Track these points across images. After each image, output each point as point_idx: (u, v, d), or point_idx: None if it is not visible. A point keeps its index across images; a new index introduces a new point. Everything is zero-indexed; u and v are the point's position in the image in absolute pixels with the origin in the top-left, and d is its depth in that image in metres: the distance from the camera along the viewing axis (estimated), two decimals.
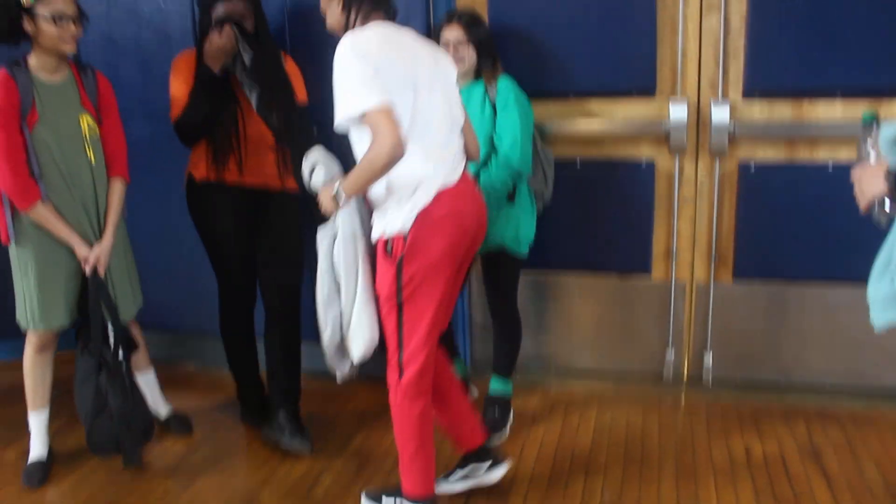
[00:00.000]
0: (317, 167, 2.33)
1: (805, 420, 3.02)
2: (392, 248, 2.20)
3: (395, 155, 2.04)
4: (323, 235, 2.38)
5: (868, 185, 1.52)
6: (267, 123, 2.84)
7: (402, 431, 2.38)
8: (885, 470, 2.66)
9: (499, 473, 2.61)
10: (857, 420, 3.01)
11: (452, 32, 2.82)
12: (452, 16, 2.84)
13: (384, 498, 2.53)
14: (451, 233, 2.22)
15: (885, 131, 1.47)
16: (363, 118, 2.07)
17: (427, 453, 2.40)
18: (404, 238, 2.17)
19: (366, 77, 2.08)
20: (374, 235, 2.26)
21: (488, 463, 2.60)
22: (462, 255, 2.30)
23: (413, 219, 2.17)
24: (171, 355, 3.79)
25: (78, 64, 2.77)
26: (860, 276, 2.95)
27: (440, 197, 2.18)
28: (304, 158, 2.39)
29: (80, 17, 2.61)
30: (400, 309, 2.24)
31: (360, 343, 2.37)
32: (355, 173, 2.14)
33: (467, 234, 2.28)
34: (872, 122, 1.60)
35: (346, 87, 2.13)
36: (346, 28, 2.26)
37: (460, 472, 2.60)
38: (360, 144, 2.18)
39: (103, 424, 2.74)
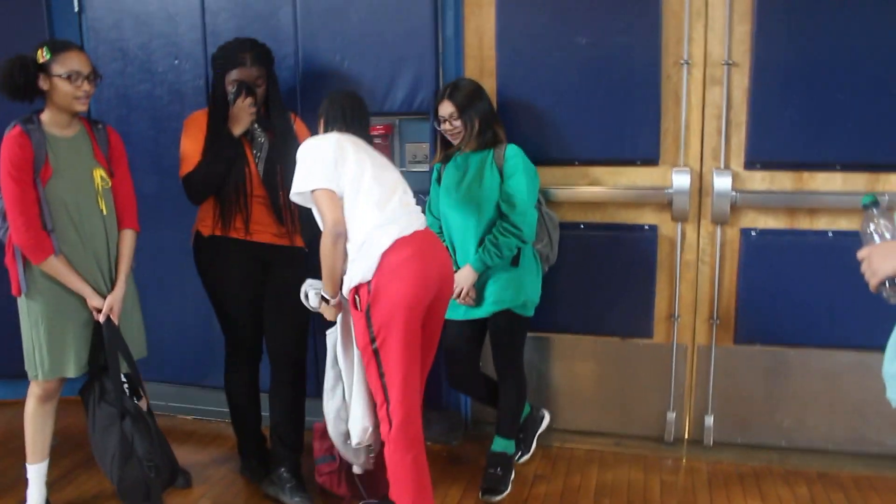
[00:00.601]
0: (309, 293, 2.62)
1: (807, 483, 3.04)
2: (359, 297, 2.41)
3: (337, 231, 2.44)
4: (329, 333, 2.66)
5: (880, 264, 1.53)
6: (267, 189, 2.92)
7: (397, 483, 2.45)
8: None
9: None
10: (860, 484, 3.03)
11: (445, 108, 2.93)
12: (445, 91, 2.95)
13: None
14: (413, 275, 2.39)
15: None
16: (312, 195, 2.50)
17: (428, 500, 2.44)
18: (368, 286, 2.39)
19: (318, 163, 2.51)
20: (345, 291, 2.49)
21: None
22: (430, 300, 2.45)
23: (375, 266, 2.39)
24: (169, 407, 3.78)
25: (89, 119, 2.83)
26: (861, 341, 3.07)
27: (397, 244, 2.40)
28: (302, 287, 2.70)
29: (94, 75, 2.67)
30: (377, 357, 2.41)
31: (356, 429, 2.59)
32: (323, 272, 2.50)
33: (430, 279, 2.44)
34: (872, 204, 1.64)
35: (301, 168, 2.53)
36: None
37: None
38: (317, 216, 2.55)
39: (132, 471, 2.73)
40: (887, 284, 1.54)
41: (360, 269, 2.42)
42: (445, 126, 2.94)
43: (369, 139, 2.72)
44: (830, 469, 3.14)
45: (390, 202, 2.48)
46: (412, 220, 2.50)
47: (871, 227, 1.62)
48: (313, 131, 3.11)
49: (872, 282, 1.55)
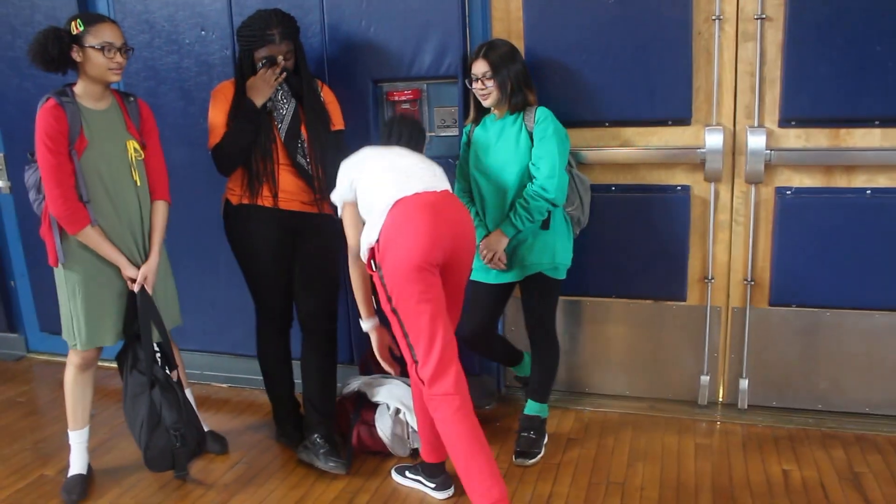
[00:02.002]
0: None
1: (844, 446, 3.00)
2: (372, 260, 2.48)
3: (354, 252, 2.57)
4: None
5: None
6: (292, 160, 2.93)
7: (447, 439, 2.46)
8: None
9: (440, 496, 2.77)
10: None
11: (479, 66, 2.88)
12: (480, 50, 2.90)
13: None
14: (416, 231, 2.41)
15: None
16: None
17: (481, 454, 2.43)
18: (377, 246, 2.46)
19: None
20: (364, 257, 2.55)
21: (434, 484, 2.79)
22: (442, 257, 2.45)
23: (380, 226, 2.45)
24: (204, 376, 3.84)
25: (120, 92, 2.85)
26: None
27: (399, 203, 2.45)
28: None
29: (126, 47, 2.68)
30: (398, 316, 2.47)
31: None
32: (357, 296, 2.68)
33: (438, 236, 2.43)
34: None
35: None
36: None
37: (411, 476, 2.87)
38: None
39: (159, 439, 2.79)
40: None
41: (367, 233, 2.52)
42: (477, 86, 2.89)
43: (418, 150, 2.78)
44: (868, 432, 3.10)
45: (398, 178, 2.54)
46: (416, 183, 2.52)
47: None
48: (341, 98, 3.12)
49: None
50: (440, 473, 2.80)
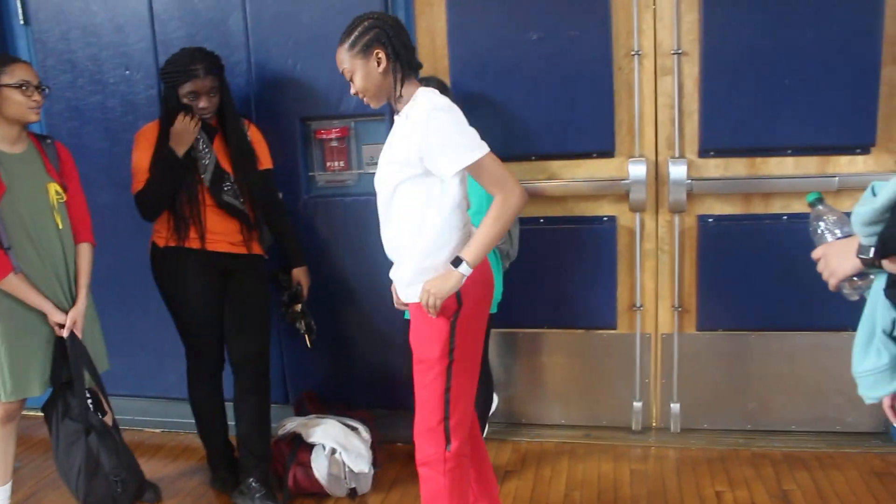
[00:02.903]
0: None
1: (773, 464, 3.08)
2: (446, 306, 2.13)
3: (525, 199, 2.10)
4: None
5: (838, 264, 1.51)
6: (218, 202, 2.90)
7: (456, 499, 2.23)
8: None
9: None
10: (823, 462, 3.08)
11: None
12: None
13: None
14: (488, 282, 2.24)
15: (859, 210, 1.40)
16: (475, 166, 2.07)
17: None
18: (457, 295, 2.12)
19: (469, 131, 2.11)
20: (415, 297, 2.17)
21: None
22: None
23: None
24: (135, 421, 3.74)
25: (36, 134, 2.79)
26: (818, 323, 3.13)
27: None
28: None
29: (42, 86, 2.65)
30: (449, 371, 2.16)
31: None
32: (483, 238, 2.08)
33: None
34: (818, 201, 1.64)
35: (455, 141, 2.08)
36: (392, 89, 2.19)
37: None
38: (412, 202, 2.15)
39: (99, 487, 2.72)
40: (847, 283, 1.53)
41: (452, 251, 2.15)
42: None
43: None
44: (794, 449, 3.19)
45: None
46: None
47: (822, 225, 1.61)
48: (268, 137, 3.11)
49: (832, 282, 1.54)
50: None
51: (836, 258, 1.51)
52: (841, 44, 2.92)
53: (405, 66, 2.18)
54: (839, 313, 3.13)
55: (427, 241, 2.14)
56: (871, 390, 1.56)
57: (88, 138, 3.47)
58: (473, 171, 2.10)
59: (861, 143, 3.01)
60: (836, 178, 3.01)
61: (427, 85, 2.66)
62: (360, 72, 2.18)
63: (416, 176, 2.12)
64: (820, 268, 1.56)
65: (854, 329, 3.12)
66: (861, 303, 1.59)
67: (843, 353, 3.20)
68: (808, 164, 3.08)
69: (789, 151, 3.07)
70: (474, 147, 2.08)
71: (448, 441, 2.18)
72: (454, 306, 2.13)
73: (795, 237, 3.09)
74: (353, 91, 2.25)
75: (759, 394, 3.30)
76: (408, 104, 2.18)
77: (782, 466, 3.07)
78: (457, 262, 2.08)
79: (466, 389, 2.21)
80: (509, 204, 2.07)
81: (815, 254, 1.59)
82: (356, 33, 2.18)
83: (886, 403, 1.67)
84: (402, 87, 2.18)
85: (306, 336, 3.22)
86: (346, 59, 2.21)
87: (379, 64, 2.15)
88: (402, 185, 2.16)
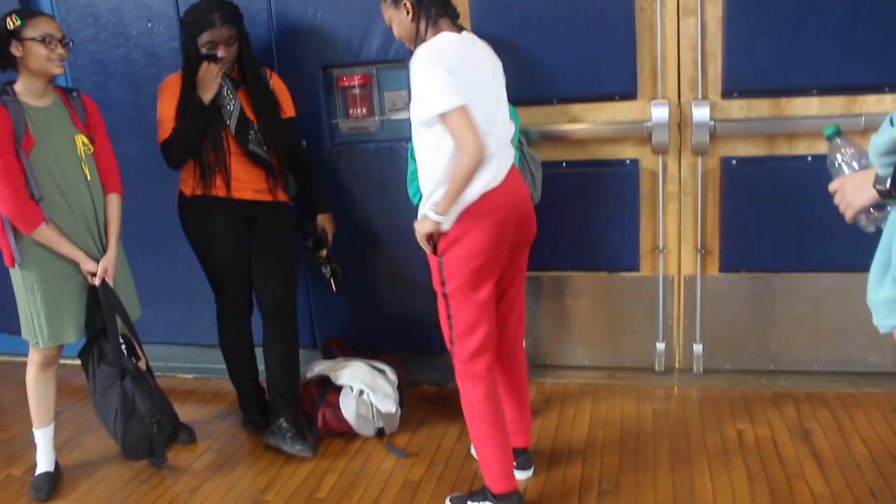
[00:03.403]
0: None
1: (794, 403, 3.12)
2: (435, 240, 2.32)
3: (478, 160, 2.15)
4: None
5: (854, 195, 1.53)
6: (244, 149, 2.94)
7: (468, 415, 2.48)
8: (873, 447, 2.76)
9: (520, 477, 2.70)
10: (845, 401, 3.11)
11: None
12: None
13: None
14: (491, 231, 2.29)
15: (876, 141, 1.42)
16: (442, 118, 2.15)
17: (499, 440, 2.46)
18: (445, 235, 2.30)
19: (445, 81, 2.16)
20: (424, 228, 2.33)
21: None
22: (506, 245, 2.37)
23: (455, 216, 2.26)
24: (168, 367, 3.84)
25: (62, 87, 2.83)
26: (842, 264, 3.12)
27: (485, 198, 2.26)
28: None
29: (65, 39, 2.67)
30: (447, 300, 2.39)
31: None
32: (444, 192, 2.21)
33: (507, 232, 2.35)
34: (836, 134, 1.65)
35: (427, 90, 2.18)
36: (416, 35, 2.32)
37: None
38: (425, 147, 2.29)
39: (135, 428, 2.81)
40: (863, 214, 1.55)
41: (448, 219, 2.28)
42: None
43: (457, 18, 2.42)
44: (816, 389, 3.22)
45: (490, 136, 2.25)
46: (504, 160, 2.34)
47: (839, 158, 1.62)
48: (291, 85, 3.13)
49: (848, 213, 1.56)
50: (514, 497, 2.51)
51: (853, 189, 1.52)
52: None
53: (430, 13, 2.31)
54: (862, 254, 3.11)
55: (431, 183, 2.28)
56: (886, 318, 1.59)
57: (113, 91, 3.51)
58: (444, 123, 2.17)
59: (889, 81, 2.95)
60: (863, 118, 2.96)
61: None
62: (395, 21, 2.39)
63: (421, 121, 2.23)
64: (837, 200, 1.58)
65: None
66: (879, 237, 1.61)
67: (866, 294, 3.23)
68: (834, 104, 3.03)
69: (815, 91, 3.02)
70: (439, 100, 2.15)
71: (458, 356, 2.44)
72: (442, 244, 2.31)
73: (819, 178, 3.02)
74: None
75: (781, 335, 3.31)
76: None
77: (804, 405, 3.10)
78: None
79: (465, 316, 2.38)
80: (460, 163, 2.16)
81: (832, 186, 1.60)
82: None
83: None
84: (426, 33, 2.31)
85: (332, 280, 3.28)
86: (384, 10, 2.43)
87: (408, 13, 2.32)
88: (417, 130, 2.29)
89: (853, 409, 3.05)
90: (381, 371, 3.20)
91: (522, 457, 2.75)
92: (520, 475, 2.72)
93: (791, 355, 3.33)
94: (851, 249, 3.12)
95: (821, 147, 3.05)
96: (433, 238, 2.32)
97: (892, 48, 2.90)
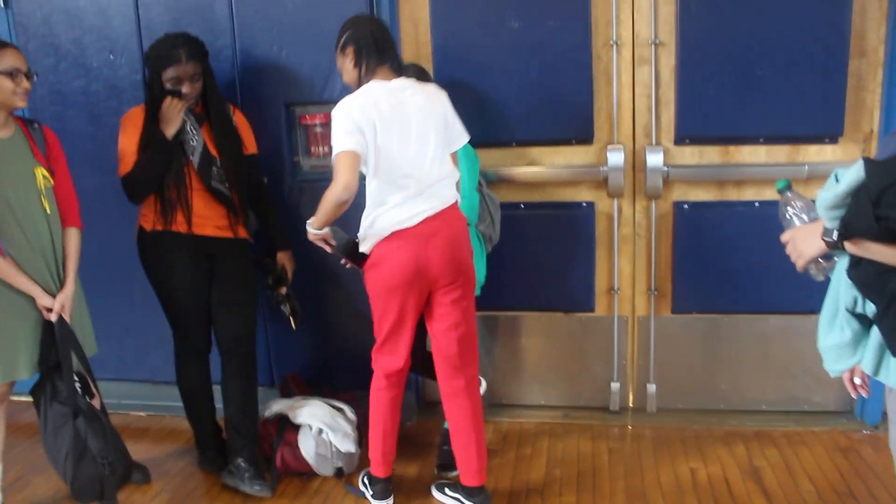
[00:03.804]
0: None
1: (744, 442, 3.21)
2: (357, 258, 2.67)
3: (343, 196, 2.44)
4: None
5: (804, 246, 1.60)
6: (206, 186, 2.94)
7: (371, 415, 2.85)
8: (819, 484, 2.87)
9: None
10: (792, 440, 3.21)
11: None
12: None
13: (361, 479, 3.00)
14: (397, 265, 2.56)
15: (822, 196, 1.49)
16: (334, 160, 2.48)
17: (386, 440, 2.84)
18: (369, 256, 2.63)
19: (345, 127, 2.48)
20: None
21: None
22: (419, 284, 2.59)
23: (372, 246, 2.60)
24: (121, 405, 3.76)
25: (23, 118, 2.80)
26: (789, 306, 3.24)
27: (396, 235, 2.54)
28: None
29: (31, 72, 2.66)
30: (372, 304, 2.70)
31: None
32: (318, 211, 2.58)
33: (418, 267, 2.55)
34: (786, 188, 1.74)
35: (333, 134, 2.51)
36: (358, 81, 2.61)
37: (450, 493, 2.89)
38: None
39: (87, 469, 2.73)
40: (813, 264, 1.63)
41: (365, 245, 2.62)
42: None
43: (400, 68, 2.73)
44: (765, 427, 3.32)
45: (410, 178, 2.53)
46: (426, 203, 2.55)
47: (790, 210, 1.71)
48: (253, 122, 3.15)
49: (799, 263, 1.64)
50: (480, 493, 2.79)
51: (803, 241, 1.60)
52: (811, 37, 3.02)
53: (369, 62, 2.59)
54: (808, 297, 3.25)
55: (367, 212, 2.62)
56: (834, 364, 1.67)
57: (72, 122, 3.48)
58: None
59: (829, 133, 3.12)
60: (806, 167, 3.12)
61: (406, 72, 2.76)
62: (343, 68, 2.66)
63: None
64: (788, 250, 1.66)
65: None
66: (827, 284, 1.70)
67: (812, 335, 3.34)
68: (779, 153, 3.18)
69: (761, 140, 3.17)
70: (336, 143, 2.48)
71: (375, 358, 2.82)
72: (366, 265, 2.65)
73: (767, 223, 3.15)
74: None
75: (731, 375, 3.42)
76: None
77: (753, 444, 3.19)
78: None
79: (383, 333, 2.71)
80: (330, 191, 2.48)
81: (784, 237, 1.69)
82: (339, 34, 2.64)
83: (846, 377, 1.79)
84: (363, 80, 2.60)
85: (291, 318, 3.27)
86: (337, 58, 2.68)
87: (352, 61, 2.61)
88: None
89: (799, 447, 3.15)
90: (340, 410, 3.20)
91: (479, 496, 2.77)
92: None
93: (740, 394, 3.43)
94: (797, 292, 3.25)
95: (768, 193, 3.19)
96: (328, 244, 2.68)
97: (833, 102, 3.07)
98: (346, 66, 2.63)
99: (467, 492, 2.79)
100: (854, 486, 2.85)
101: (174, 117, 2.86)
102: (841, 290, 1.59)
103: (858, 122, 3.11)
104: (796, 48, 3.02)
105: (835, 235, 1.46)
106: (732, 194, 3.24)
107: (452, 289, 2.65)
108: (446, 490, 2.90)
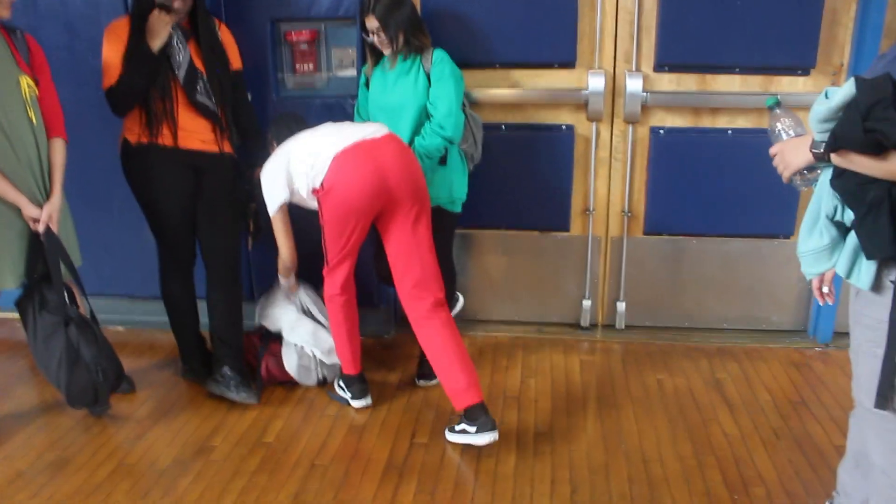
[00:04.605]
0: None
1: (707, 357, 3.42)
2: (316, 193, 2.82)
3: (287, 267, 3.03)
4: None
5: (792, 157, 1.71)
6: (191, 101, 2.93)
7: (332, 322, 3.04)
8: (775, 395, 3.09)
9: (487, 439, 2.71)
10: (751, 355, 3.43)
11: (370, 22, 2.95)
12: (368, 6, 2.93)
13: (336, 383, 3.15)
14: (352, 182, 2.70)
15: (816, 109, 1.58)
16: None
17: (351, 340, 3.04)
18: (322, 187, 2.76)
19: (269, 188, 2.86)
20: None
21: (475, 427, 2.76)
22: (379, 202, 2.74)
23: (322, 176, 2.73)
24: (100, 319, 3.77)
25: (5, 26, 2.73)
26: (753, 230, 3.42)
27: (338, 156, 2.71)
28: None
29: None
30: (323, 228, 2.84)
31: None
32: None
33: (376, 183, 2.70)
34: (776, 105, 1.83)
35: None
36: None
37: (457, 430, 2.78)
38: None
39: (80, 376, 2.79)
40: (798, 175, 1.74)
41: (311, 179, 2.77)
42: (374, 38, 2.98)
43: None
44: (726, 344, 3.53)
45: (334, 134, 2.81)
46: (353, 133, 2.76)
47: (778, 125, 1.81)
48: (239, 38, 3.13)
49: (785, 174, 1.75)
50: (480, 413, 2.72)
51: (791, 153, 1.72)
52: None
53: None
54: (771, 222, 3.47)
55: None
56: (811, 267, 1.80)
57: (46, 33, 3.36)
58: None
59: (802, 66, 3.25)
60: (778, 97, 3.23)
61: (366, 9, 2.96)
62: None
63: None
64: (776, 162, 1.78)
65: (783, 237, 3.47)
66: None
67: (773, 258, 3.58)
68: (753, 83, 3.30)
69: (737, 70, 3.28)
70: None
71: (327, 280, 2.98)
72: (318, 195, 2.78)
73: (738, 150, 3.35)
74: None
75: (696, 294, 3.60)
76: None
77: (716, 359, 3.40)
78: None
79: (334, 251, 2.87)
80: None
81: (773, 150, 1.80)
82: None
83: (815, 285, 1.94)
84: None
85: (251, 235, 3.33)
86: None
87: None
88: None
89: (758, 361, 3.37)
90: (323, 325, 3.28)
91: (480, 416, 2.71)
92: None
93: (704, 313, 3.62)
94: (761, 217, 3.45)
95: (740, 121, 3.33)
96: None
97: (807, 35, 3.19)
98: None
99: (467, 416, 2.73)
100: (806, 396, 3.07)
101: (161, 30, 2.82)
102: (823, 199, 1.72)
103: (830, 55, 3.23)
104: None
105: (822, 147, 1.58)
106: (707, 121, 3.36)
107: (411, 206, 2.76)
108: (454, 429, 2.79)
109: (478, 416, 2.72)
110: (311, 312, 3.28)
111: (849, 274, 1.69)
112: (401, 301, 2.89)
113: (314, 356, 3.18)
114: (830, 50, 3.23)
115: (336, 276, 2.95)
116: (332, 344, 3.20)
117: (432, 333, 2.81)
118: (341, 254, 2.87)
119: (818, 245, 1.76)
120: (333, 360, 3.18)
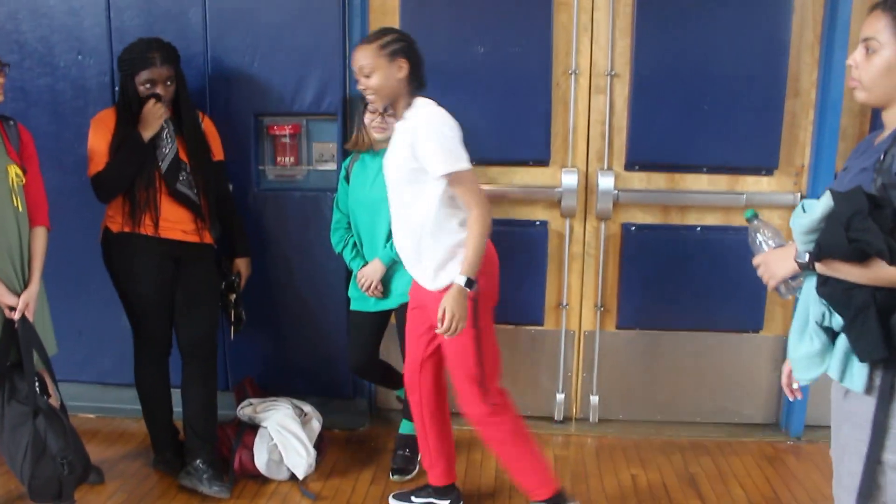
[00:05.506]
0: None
1: (680, 451, 3.43)
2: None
3: (490, 219, 2.48)
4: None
5: (777, 268, 1.80)
6: (172, 191, 2.98)
7: (509, 448, 2.73)
8: (748, 490, 3.10)
9: None
10: (724, 449, 3.44)
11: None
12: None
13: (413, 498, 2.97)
14: (496, 270, 2.68)
15: (800, 222, 1.66)
16: (457, 175, 2.43)
17: (538, 454, 2.75)
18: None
19: (459, 142, 2.49)
20: (442, 285, 2.52)
21: (448, 500, 2.90)
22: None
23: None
24: (71, 407, 3.65)
25: (0, 116, 2.80)
26: (724, 324, 3.48)
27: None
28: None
29: (1, 63, 2.66)
30: (478, 333, 2.54)
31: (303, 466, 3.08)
32: (472, 253, 2.44)
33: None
34: (754, 217, 1.93)
35: (448, 146, 2.46)
36: (398, 91, 2.52)
37: (419, 499, 2.93)
38: (419, 199, 2.51)
39: (45, 468, 2.72)
40: (782, 284, 1.81)
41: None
42: (376, 119, 2.99)
43: None
44: (699, 437, 3.55)
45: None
46: None
47: (759, 237, 1.90)
48: (221, 130, 3.21)
49: (771, 283, 1.83)
50: (453, 491, 2.94)
51: (776, 263, 1.80)
52: (752, 77, 3.30)
53: (416, 80, 2.52)
54: (741, 317, 3.55)
55: (435, 234, 2.52)
56: (805, 373, 1.83)
57: (35, 121, 3.42)
58: (455, 180, 2.41)
59: (766, 166, 3.40)
60: (744, 196, 3.38)
61: None
62: (381, 72, 2.48)
63: (414, 171, 2.45)
64: (760, 272, 1.86)
65: (753, 331, 3.53)
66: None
67: (743, 351, 3.63)
68: (720, 182, 3.44)
69: (704, 169, 3.42)
70: (461, 158, 2.44)
71: (486, 392, 2.63)
72: (473, 292, 2.48)
73: (706, 247, 3.45)
74: (362, 86, 2.55)
75: (669, 388, 3.64)
76: (410, 110, 2.52)
77: (689, 452, 3.41)
78: (468, 283, 2.44)
79: (492, 350, 2.65)
80: (486, 220, 2.46)
81: (756, 260, 1.88)
82: (388, 39, 2.51)
83: (785, 382, 2.00)
84: (411, 96, 2.54)
85: (232, 326, 3.33)
86: (369, 56, 2.49)
87: (400, 71, 2.49)
88: (405, 185, 2.51)
89: (731, 455, 3.39)
90: (307, 414, 3.26)
91: (453, 493, 2.92)
92: None
93: (677, 406, 3.65)
94: (730, 312, 3.53)
95: (709, 219, 3.45)
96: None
97: (770, 137, 3.35)
98: (391, 75, 2.48)
99: (441, 493, 2.90)
100: (780, 492, 3.09)
101: (154, 121, 2.90)
102: (810, 306, 1.78)
103: (792, 156, 3.39)
104: (739, 86, 3.29)
105: (807, 257, 1.66)
106: (676, 218, 3.48)
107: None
108: (412, 498, 2.96)
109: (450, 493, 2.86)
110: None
111: (842, 377, 1.73)
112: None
113: (281, 453, 3.13)
114: (792, 151, 3.39)
115: (496, 383, 2.69)
116: (305, 440, 3.15)
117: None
118: (496, 351, 2.68)
119: (809, 350, 1.80)
120: (298, 462, 3.12)
